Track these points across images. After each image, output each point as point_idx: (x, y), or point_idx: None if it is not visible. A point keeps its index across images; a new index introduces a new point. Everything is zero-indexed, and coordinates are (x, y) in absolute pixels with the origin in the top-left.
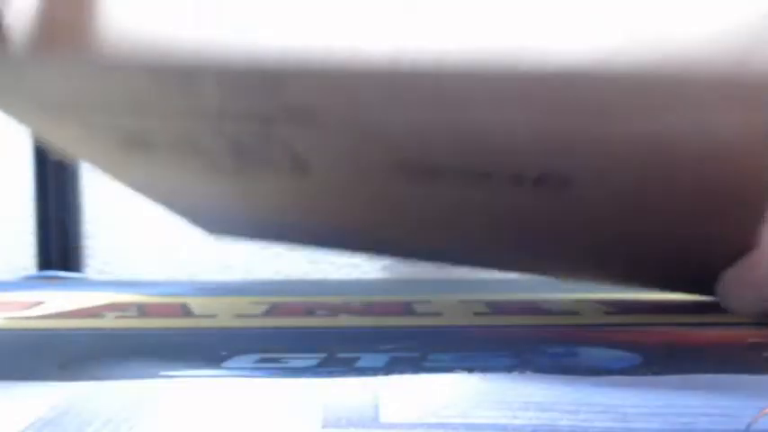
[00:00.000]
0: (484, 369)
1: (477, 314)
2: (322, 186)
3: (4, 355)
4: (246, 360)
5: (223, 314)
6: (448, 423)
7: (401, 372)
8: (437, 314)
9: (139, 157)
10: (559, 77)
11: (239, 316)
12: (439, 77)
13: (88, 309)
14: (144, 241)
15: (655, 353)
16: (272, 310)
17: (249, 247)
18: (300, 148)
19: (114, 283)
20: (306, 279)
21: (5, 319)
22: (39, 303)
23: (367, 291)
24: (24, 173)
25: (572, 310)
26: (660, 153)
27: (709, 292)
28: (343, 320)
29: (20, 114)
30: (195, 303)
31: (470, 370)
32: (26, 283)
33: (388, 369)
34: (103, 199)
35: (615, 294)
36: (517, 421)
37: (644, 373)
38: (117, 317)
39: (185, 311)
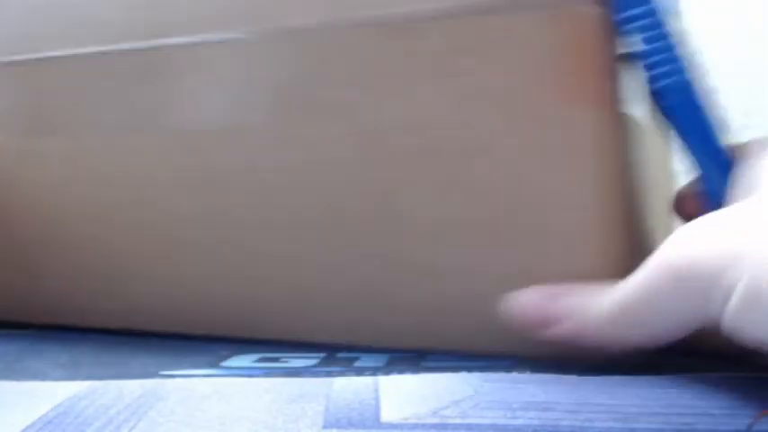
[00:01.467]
0: (484, 369)
1: None
2: None
3: (5, 355)
4: (246, 360)
5: None
6: (448, 423)
7: (401, 371)
8: None
9: None
10: None
11: None
12: None
13: None
14: None
15: (654, 353)
16: None
17: None
18: None
19: None
20: None
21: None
22: None
23: None
24: None
25: None
26: None
27: None
28: None
29: None
30: None
31: (470, 370)
32: None
33: (388, 369)
34: None
35: None
36: (518, 421)
37: (644, 373)
38: None
39: None
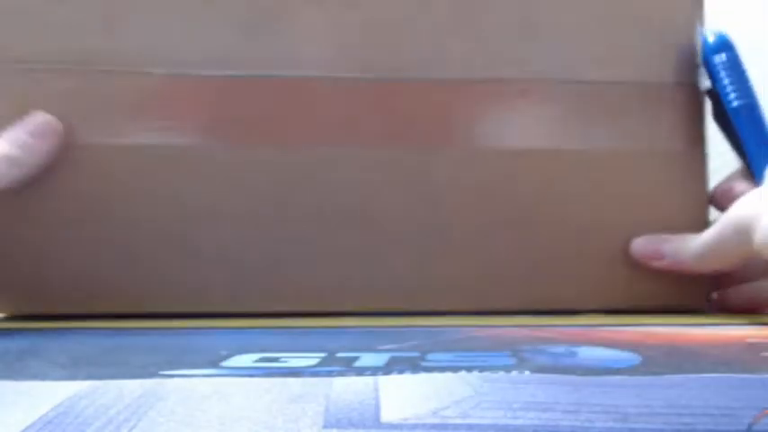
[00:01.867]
0: (484, 369)
1: (477, 314)
2: None
3: (5, 355)
4: (246, 360)
5: None
6: (448, 423)
7: (401, 371)
8: (437, 314)
9: None
10: None
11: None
12: None
13: None
14: None
15: (654, 353)
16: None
17: None
18: None
19: None
20: None
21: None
22: None
23: None
24: None
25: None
26: None
27: None
28: (344, 320)
29: None
30: None
31: (470, 370)
32: None
33: (388, 369)
34: None
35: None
36: (518, 422)
37: (644, 374)
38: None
39: None
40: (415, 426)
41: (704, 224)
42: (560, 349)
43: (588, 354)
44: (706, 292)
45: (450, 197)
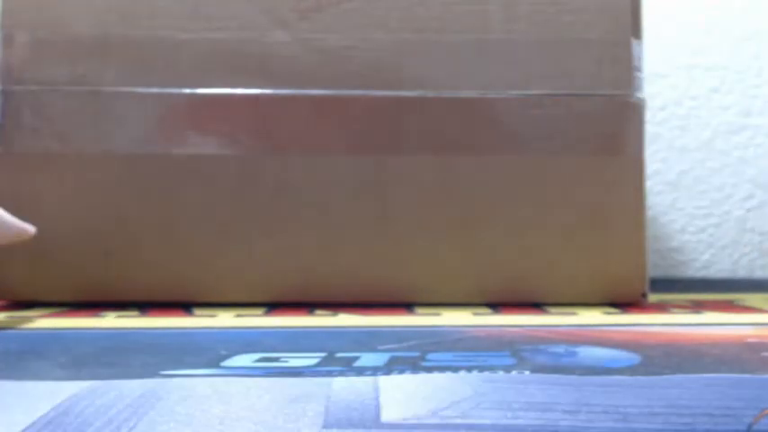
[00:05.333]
0: (484, 369)
1: (477, 314)
2: None
3: (5, 355)
4: (246, 360)
5: (223, 314)
6: (448, 423)
7: (401, 371)
8: (437, 314)
9: None
10: None
11: (239, 316)
12: None
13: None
14: None
15: (654, 353)
16: (273, 310)
17: None
18: None
19: None
20: None
21: (6, 317)
22: None
23: None
24: None
25: (571, 310)
26: None
27: None
28: (344, 320)
29: None
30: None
31: (470, 370)
32: None
33: (388, 369)
34: None
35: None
36: (518, 422)
37: (644, 373)
38: (117, 316)
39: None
40: (415, 426)
41: (641, 225)
42: (560, 349)
43: (588, 353)
44: (642, 289)
45: (403, 198)
